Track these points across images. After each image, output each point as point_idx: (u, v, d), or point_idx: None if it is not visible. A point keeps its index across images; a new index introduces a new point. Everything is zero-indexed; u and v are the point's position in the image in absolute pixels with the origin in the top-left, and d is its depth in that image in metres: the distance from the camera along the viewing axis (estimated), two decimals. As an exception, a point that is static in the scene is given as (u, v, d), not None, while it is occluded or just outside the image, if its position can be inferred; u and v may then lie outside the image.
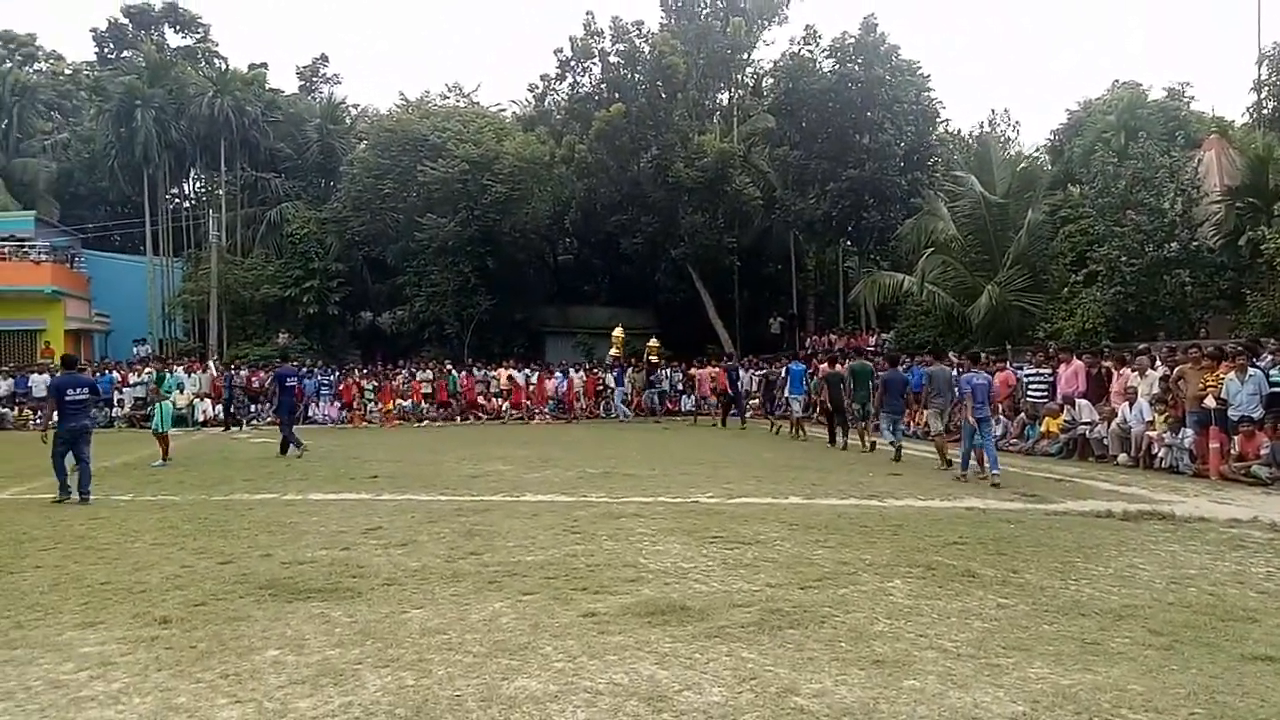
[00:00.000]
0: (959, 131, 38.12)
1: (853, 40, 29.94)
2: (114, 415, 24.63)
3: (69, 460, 10.74)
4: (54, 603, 5.80)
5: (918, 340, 25.45)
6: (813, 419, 19.98)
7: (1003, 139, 36.38)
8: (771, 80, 34.29)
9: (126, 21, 46.92)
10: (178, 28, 47.42)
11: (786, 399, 20.64)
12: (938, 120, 32.35)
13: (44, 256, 32.88)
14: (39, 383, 25.44)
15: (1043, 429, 15.72)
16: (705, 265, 32.45)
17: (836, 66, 30.08)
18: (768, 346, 32.43)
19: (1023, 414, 16.59)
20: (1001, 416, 16.89)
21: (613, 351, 28.29)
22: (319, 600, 5.74)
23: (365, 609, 5.52)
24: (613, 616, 5.25)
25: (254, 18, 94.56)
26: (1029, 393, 16.65)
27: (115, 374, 26.28)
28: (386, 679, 4.28)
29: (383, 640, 4.87)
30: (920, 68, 30.84)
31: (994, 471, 11.43)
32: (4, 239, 33.06)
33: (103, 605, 5.71)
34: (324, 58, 49.20)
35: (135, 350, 33.84)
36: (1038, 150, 35.47)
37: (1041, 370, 16.73)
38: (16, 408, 25.19)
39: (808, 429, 19.72)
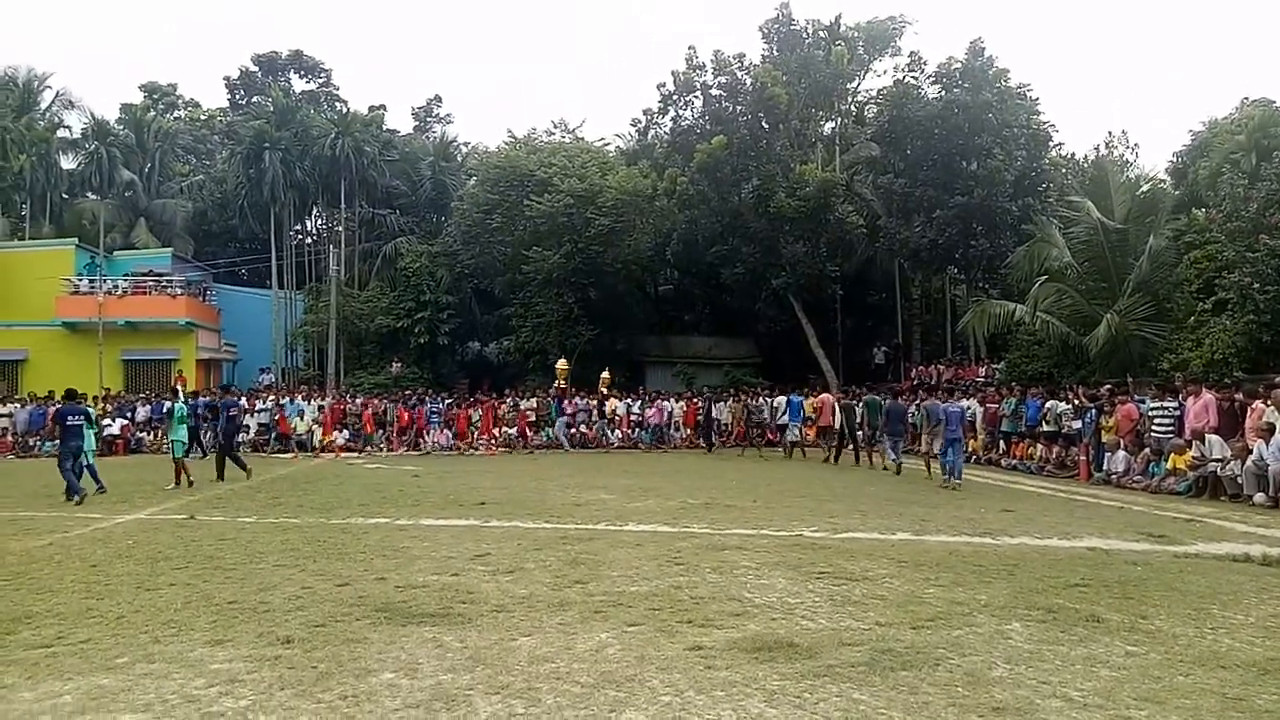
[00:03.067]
0: (1073, 156, 36.79)
1: (959, 65, 29.35)
2: (239, 440, 25.72)
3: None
4: (186, 619, 6.12)
5: (1030, 371, 24.51)
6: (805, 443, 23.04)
7: (1121, 162, 34.83)
8: (875, 108, 33.88)
9: (256, 69, 50.14)
10: (302, 73, 50.40)
11: (785, 424, 23.12)
12: (1050, 144, 31.25)
13: (179, 291, 35.10)
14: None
15: (1169, 465, 14.87)
16: (807, 294, 32.11)
17: (942, 93, 29.51)
18: (871, 376, 31.77)
19: (1147, 449, 15.75)
20: (1123, 451, 16.17)
21: (558, 383, 28.30)
22: (431, 625, 5.89)
23: (475, 635, 5.64)
24: (719, 651, 5.21)
25: (373, 61, 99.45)
26: (1153, 427, 15.79)
27: (242, 401, 27.44)
28: (497, 706, 4.34)
29: (493, 667, 4.96)
30: (1030, 91, 29.98)
31: (956, 480, 15.11)
32: (144, 274, 35.48)
33: (230, 623, 5.99)
34: (437, 98, 51.34)
35: (260, 378, 35.63)
36: (1159, 173, 33.86)
37: (1166, 403, 15.86)
38: (154, 432, 26.67)
39: (804, 451, 22.70)
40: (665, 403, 28.16)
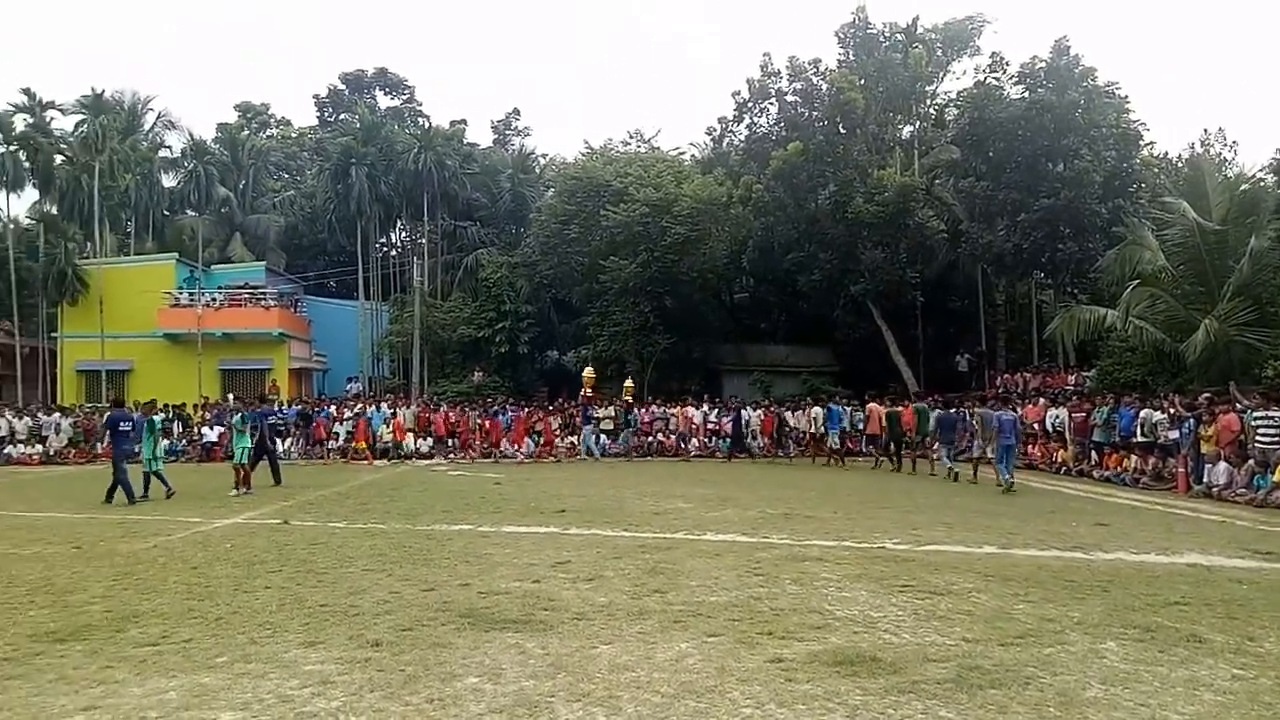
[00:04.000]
0: (1166, 155, 35.37)
1: (1043, 65, 28.56)
2: (329, 447, 26.53)
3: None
4: (281, 621, 6.36)
5: (1123, 379, 23.59)
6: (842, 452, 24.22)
7: (1218, 161, 33.32)
8: (956, 111, 33.21)
9: (343, 87, 51.95)
10: (387, 90, 52.03)
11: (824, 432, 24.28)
12: (1141, 144, 30.11)
13: (272, 303, 36.49)
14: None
15: (1275, 478, 14.13)
16: (886, 301, 31.60)
17: (1026, 93, 28.75)
18: (954, 385, 31.03)
19: (1251, 461, 15.00)
20: (1225, 463, 15.44)
21: (584, 391, 28.20)
22: (513, 631, 5.99)
23: (556, 642, 5.71)
24: (800, 664, 5.17)
25: (454, 76, 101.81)
26: (1258, 438, 15.02)
27: (331, 409, 28.25)
28: (579, 713, 4.39)
29: (574, 674, 5.02)
30: (1119, 89, 28.98)
31: (1007, 479, 16.09)
32: (239, 287, 36.99)
33: (322, 626, 6.20)
34: (516, 111, 52.34)
35: (348, 387, 36.73)
36: (1261, 171, 32.26)
37: (1272, 413, 15.06)
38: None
39: (845, 459, 23.85)
40: (742, 411, 28.00)
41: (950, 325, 35.37)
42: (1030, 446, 22.65)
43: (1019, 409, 21.49)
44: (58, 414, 29.08)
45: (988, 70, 30.95)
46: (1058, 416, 21.55)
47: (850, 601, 6.84)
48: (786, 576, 7.83)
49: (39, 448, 27.07)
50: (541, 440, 26.80)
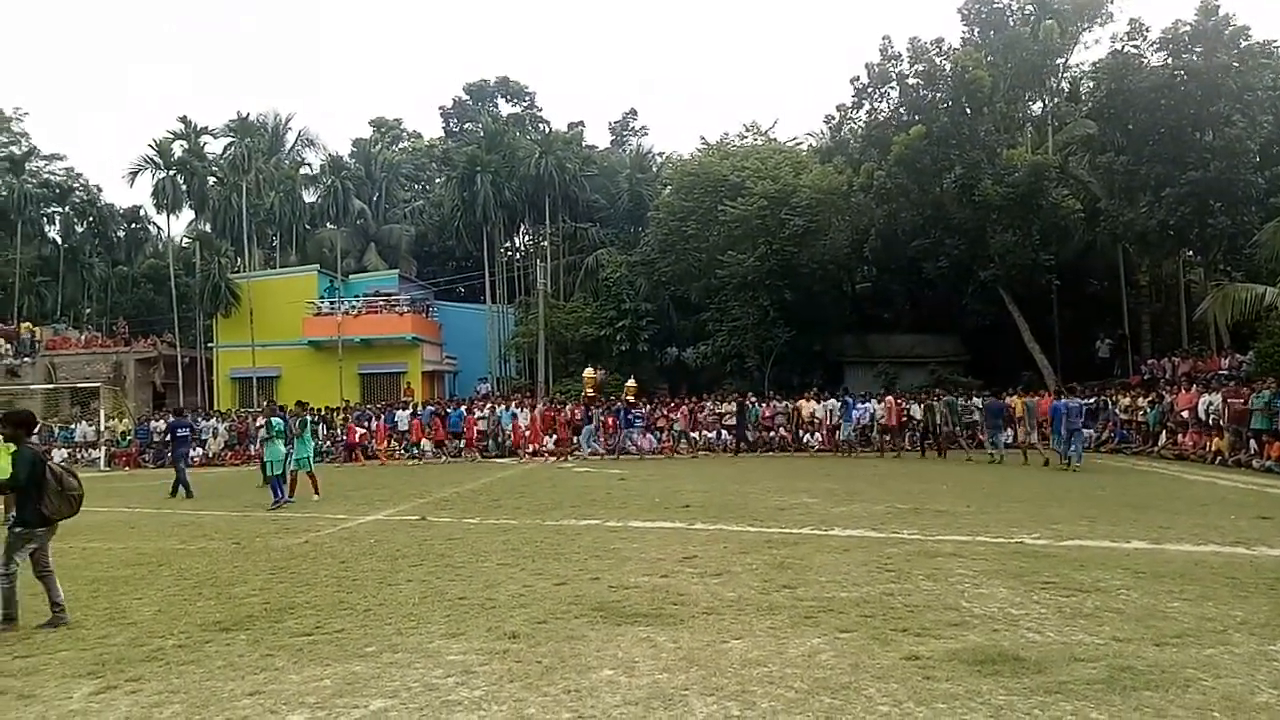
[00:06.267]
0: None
1: (1188, 28, 26.67)
2: (460, 447, 27.48)
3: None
4: (424, 613, 6.65)
5: (1286, 363, 21.87)
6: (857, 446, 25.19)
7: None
8: (1091, 83, 31.46)
9: (467, 98, 53.66)
10: (509, 98, 53.43)
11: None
12: (1303, 104, 27.76)
13: (405, 308, 38.13)
14: (403, 418, 29.26)
15: None
16: (1018, 286, 30.22)
17: (1169, 60, 26.93)
18: (1094, 372, 29.42)
19: None
20: None
21: (587, 391, 27.52)
22: (644, 625, 6.07)
23: (688, 636, 5.76)
24: (938, 662, 5.04)
25: (571, 80, 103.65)
26: None
27: (464, 410, 29.22)
28: (713, 707, 4.42)
29: (706, 668, 5.05)
30: (1278, 47, 26.75)
31: (1076, 462, 18.05)
32: (374, 295, 38.81)
33: (462, 618, 6.45)
34: (633, 112, 53.00)
35: (477, 388, 37.98)
36: None
37: None
38: (386, 440, 28.96)
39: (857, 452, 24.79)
40: (866, 404, 27.35)
41: (1089, 309, 33.56)
42: (1181, 435, 21.36)
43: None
44: (215, 419, 31.21)
45: (1125, 38, 29.12)
46: (1211, 403, 20.18)
47: (988, 598, 6.62)
48: (919, 572, 7.64)
49: (199, 451, 29.13)
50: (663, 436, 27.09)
